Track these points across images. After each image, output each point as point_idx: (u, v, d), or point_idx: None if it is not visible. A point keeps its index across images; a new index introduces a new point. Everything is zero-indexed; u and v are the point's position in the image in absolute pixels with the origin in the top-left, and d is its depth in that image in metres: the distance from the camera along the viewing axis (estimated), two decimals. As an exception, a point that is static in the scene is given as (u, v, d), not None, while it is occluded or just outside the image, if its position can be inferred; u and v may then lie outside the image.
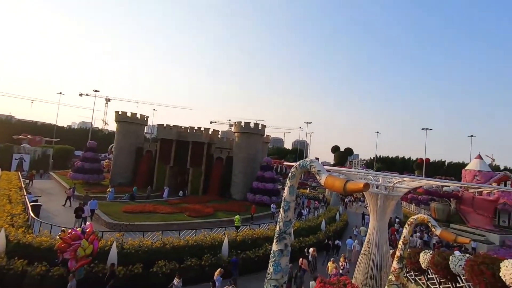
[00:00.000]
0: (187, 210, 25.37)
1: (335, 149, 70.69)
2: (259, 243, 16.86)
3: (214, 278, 11.71)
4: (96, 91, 61.09)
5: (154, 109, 77.36)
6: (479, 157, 43.78)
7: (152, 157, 39.87)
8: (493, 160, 65.41)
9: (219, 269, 12.14)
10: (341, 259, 15.34)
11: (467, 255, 9.79)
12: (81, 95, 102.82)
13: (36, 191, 29.36)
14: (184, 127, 39.57)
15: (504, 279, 6.81)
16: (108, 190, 29.71)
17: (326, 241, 20.80)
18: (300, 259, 14.85)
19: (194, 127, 38.88)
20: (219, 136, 43.91)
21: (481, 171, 40.98)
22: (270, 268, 4.08)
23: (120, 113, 40.17)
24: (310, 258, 16.33)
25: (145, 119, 42.84)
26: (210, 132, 39.66)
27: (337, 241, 21.23)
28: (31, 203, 19.92)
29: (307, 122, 72.21)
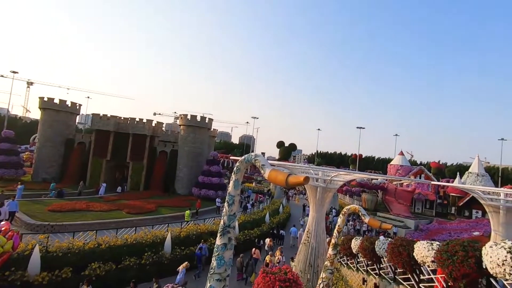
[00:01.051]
0: (126, 207, 23.73)
1: (280, 144, 73.45)
2: (204, 238, 16.68)
3: (179, 269, 11.96)
4: (14, 72, 52.58)
5: (88, 97, 69.94)
6: (401, 153, 50.19)
7: (85, 150, 36.14)
8: (412, 156, 75.42)
9: (185, 263, 12.37)
10: (277, 252, 15.49)
11: (389, 239, 11.17)
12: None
13: None
14: (124, 118, 36.70)
15: (416, 258, 7.97)
16: (17, 186, 24.80)
17: (271, 231, 21.83)
18: (253, 249, 15.75)
19: (135, 118, 36.33)
20: (163, 128, 41.91)
21: (402, 165, 47.03)
22: (214, 263, 4.06)
23: (45, 99, 35.32)
24: (266, 247, 17.59)
25: (77, 107, 38.44)
26: (153, 124, 37.51)
27: (281, 231, 22.43)
28: None
29: (254, 118, 73.49)
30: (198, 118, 36.99)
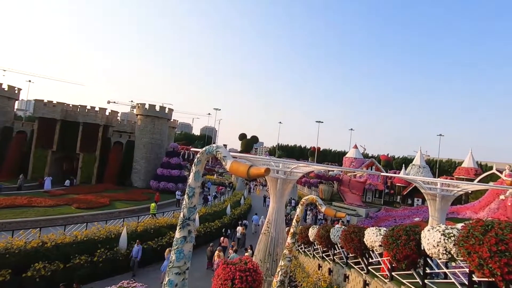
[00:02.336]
0: (75, 202, 22.06)
1: (242, 136, 73.62)
2: (163, 232, 16.23)
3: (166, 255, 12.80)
4: None
5: (29, 81, 62.37)
6: (355, 147, 53.51)
7: (26, 140, 32.56)
8: (365, 149, 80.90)
9: (168, 249, 12.93)
10: (230, 250, 14.80)
11: (343, 227, 11.94)
12: None
13: None
14: (73, 105, 33.71)
15: (366, 243, 8.65)
16: None
17: (235, 221, 22.75)
18: (222, 238, 17.11)
19: (86, 106, 33.59)
20: (119, 118, 39.36)
21: (356, 158, 50.23)
22: (173, 256, 3.96)
23: (-25, 81, 30.90)
24: (239, 235, 19.41)
25: (16, 91, 34.32)
26: (107, 113, 35.04)
27: (244, 221, 23.28)
28: None
29: (216, 109, 72.39)
30: (157, 108, 35.42)
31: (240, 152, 64.14)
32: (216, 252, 14.24)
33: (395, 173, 46.43)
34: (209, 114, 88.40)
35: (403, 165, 45.71)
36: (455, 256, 5.59)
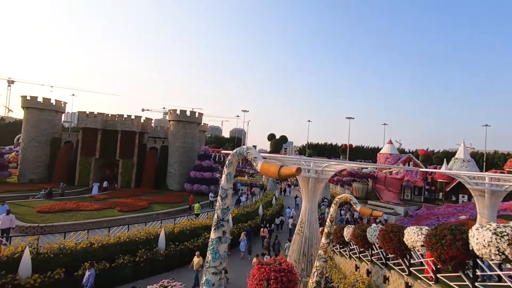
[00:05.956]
0: (117, 205, 23.47)
1: (271, 137, 73.55)
2: (198, 233, 16.71)
3: (240, 239, 16.76)
4: (-7, 71, 50.63)
5: (73, 95, 67.83)
6: (390, 142, 51.02)
7: (72, 149, 35.36)
8: (400, 144, 76.84)
9: (243, 232, 17.00)
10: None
11: (380, 226, 11.44)
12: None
13: None
14: (112, 114, 35.97)
15: (406, 243, 8.20)
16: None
17: (275, 219, 24.60)
18: (262, 229, 19.74)
19: (123, 115, 35.65)
20: (153, 124, 41.30)
21: (391, 154, 47.85)
22: (209, 256, 4.06)
23: (28, 97, 34.22)
24: (273, 226, 22.26)
25: (62, 105, 37.42)
26: (142, 121, 36.94)
27: (281, 218, 24.89)
28: None
29: (244, 111, 73.18)
30: (188, 113, 36.61)
31: (270, 152, 64.10)
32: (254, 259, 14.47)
33: (435, 168, 43.53)
34: (237, 116, 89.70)
35: (445, 159, 42.51)
36: (510, 257, 5.10)
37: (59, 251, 11.60)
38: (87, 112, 35.14)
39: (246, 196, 32.43)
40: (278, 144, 71.60)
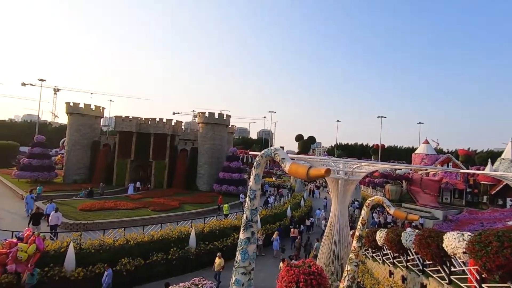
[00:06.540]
0: (151, 205, 24.53)
1: (299, 137, 72.75)
2: (227, 233, 16.96)
3: (273, 239, 17.50)
4: (42, 80, 55.44)
5: (110, 100, 72.45)
6: (426, 141, 48.10)
7: (110, 151, 37.61)
8: (438, 144, 72.24)
9: (276, 232, 17.78)
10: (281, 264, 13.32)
11: (416, 230, 10.81)
12: (24, 84, 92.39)
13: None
14: (145, 118, 37.76)
15: (446, 249, 7.67)
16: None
17: (305, 221, 24.80)
18: (292, 230, 20.08)
19: (155, 119, 37.27)
20: (183, 127, 42.68)
21: (428, 154, 45.09)
22: (238, 257, 4.11)
23: (71, 104, 36.99)
24: (302, 227, 22.59)
25: (101, 110, 40.00)
26: (173, 123, 38.34)
27: (311, 219, 25.18)
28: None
29: (272, 112, 73.23)
30: (216, 115, 37.38)
31: (298, 153, 63.43)
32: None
33: (478, 169, 40.33)
34: (264, 117, 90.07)
35: (489, 160, 39.21)
36: None
37: (99, 247, 12.42)
38: (123, 116, 37.23)
39: (274, 197, 32.35)
40: (306, 145, 70.68)
